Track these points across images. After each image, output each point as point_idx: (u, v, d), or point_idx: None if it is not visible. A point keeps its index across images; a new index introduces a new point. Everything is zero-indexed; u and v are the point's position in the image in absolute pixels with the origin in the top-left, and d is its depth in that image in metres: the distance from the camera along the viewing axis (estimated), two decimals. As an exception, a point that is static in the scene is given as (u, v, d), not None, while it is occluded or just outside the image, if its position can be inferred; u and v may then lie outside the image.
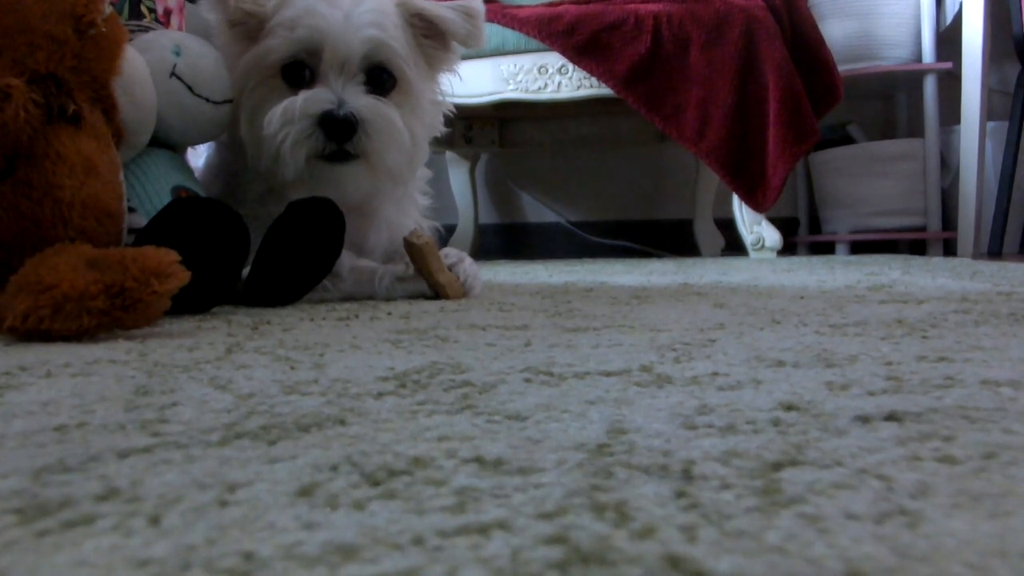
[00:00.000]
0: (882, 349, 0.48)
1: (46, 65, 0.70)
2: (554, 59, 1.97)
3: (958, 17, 2.25)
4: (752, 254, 2.07)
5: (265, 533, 0.20)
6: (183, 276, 0.61)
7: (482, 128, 2.57)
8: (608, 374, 0.41)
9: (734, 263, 1.78)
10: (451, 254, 0.94)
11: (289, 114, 0.85)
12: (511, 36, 1.98)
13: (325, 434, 0.30)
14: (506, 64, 2.00)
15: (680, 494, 0.22)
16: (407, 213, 1.02)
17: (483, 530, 0.20)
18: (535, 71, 1.99)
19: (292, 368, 0.44)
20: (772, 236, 2.05)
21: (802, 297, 0.84)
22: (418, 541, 0.19)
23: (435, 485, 0.24)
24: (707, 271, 1.44)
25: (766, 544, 0.19)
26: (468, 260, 0.96)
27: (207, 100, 0.88)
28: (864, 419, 0.31)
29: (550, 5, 2.03)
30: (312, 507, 0.22)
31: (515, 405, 0.34)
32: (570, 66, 1.97)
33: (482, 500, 0.22)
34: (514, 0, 2.20)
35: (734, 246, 2.28)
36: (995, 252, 2.06)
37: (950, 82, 2.36)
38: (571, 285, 1.13)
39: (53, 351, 0.51)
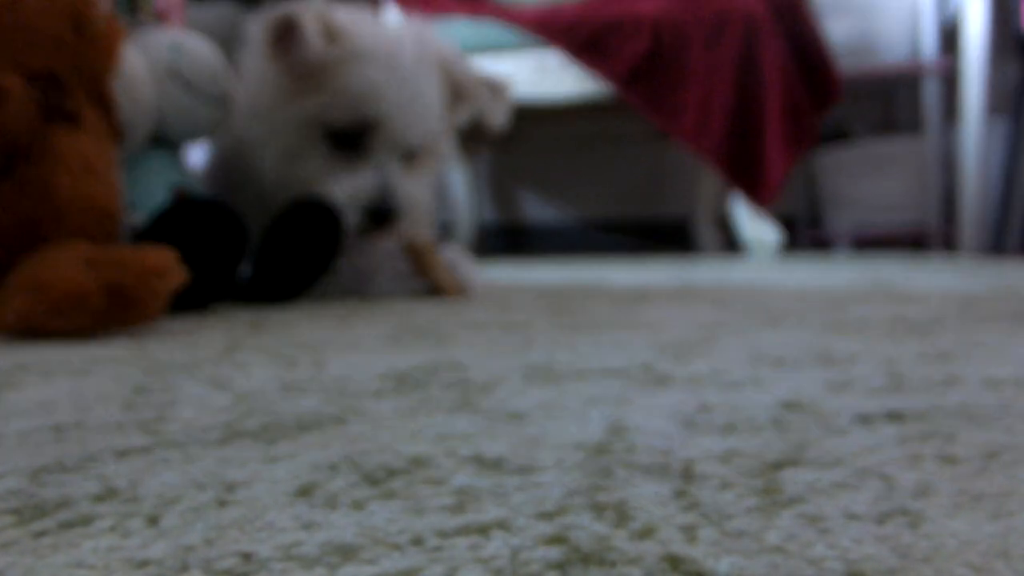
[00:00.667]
0: (883, 348, 0.48)
1: (44, 64, 0.70)
2: (554, 57, 1.97)
3: (958, 15, 2.25)
4: (752, 253, 2.07)
5: (264, 533, 0.20)
6: (181, 275, 0.61)
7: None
8: (608, 373, 0.41)
9: (734, 262, 1.78)
10: (447, 253, 0.95)
11: (355, 194, 0.86)
12: (511, 34, 1.98)
13: (324, 433, 0.29)
14: (506, 62, 2.00)
15: (680, 494, 0.22)
16: None
17: (482, 530, 0.20)
18: (535, 69, 1.99)
19: (291, 367, 0.44)
20: (772, 234, 2.05)
21: (802, 296, 0.84)
22: (417, 541, 0.19)
23: (434, 485, 0.23)
24: (707, 270, 1.44)
25: (766, 544, 0.19)
26: (464, 258, 0.96)
27: (205, 99, 0.88)
28: (865, 418, 0.30)
29: (550, 4, 2.03)
30: (311, 507, 0.22)
31: (515, 404, 0.34)
32: (570, 64, 1.97)
33: (481, 500, 0.22)
34: (514, -2, 2.20)
35: (734, 244, 2.27)
36: (996, 250, 2.06)
37: (950, 80, 2.36)
38: (571, 283, 1.13)
39: (51, 350, 0.51)
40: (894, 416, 0.31)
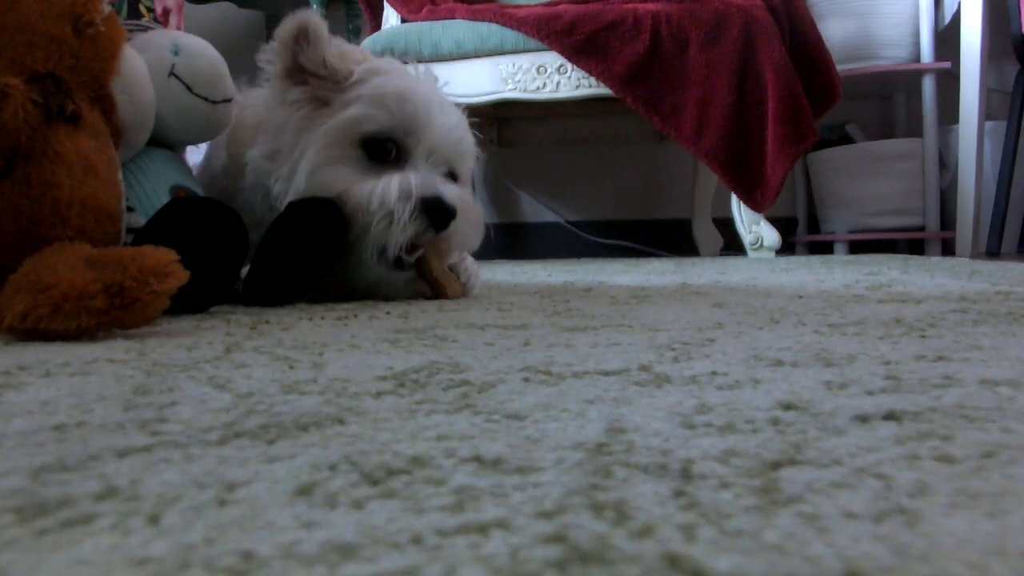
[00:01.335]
0: (881, 348, 0.48)
1: (45, 64, 0.70)
2: (553, 59, 1.97)
3: (956, 17, 2.25)
4: (751, 254, 2.07)
5: (264, 532, 0.20)
6: (182, 275, 0.61)
7: (480, 127, 2.57)
8: (607, 373, 0.41)
9: (733, 263, 1.78)
10: (453, 255, 0.94)
11: (406, 191, 0.82)
12: (510, 35, 1.98)
13: (324, 433, 0.30)
14: (505, 63, 2.00)
15: (679, 493, 0.22)
16: None
17: (482, 529, 0.20)
18: (534, 71, 1.99)
19: (291, 367, 0.44)
20: (771, 236, 2.05)
21: (801, 296, 0.85)
22: (417, 540, 0.19)
23: (434, 484, 0.24)
24: (706, 271, 1.44)
25: (765, 543, 0.19)
26: (469, 259, 0.96)
27: (205, 99, 0.88)
28: (863, 418, 0.31)
29: (549, 5, 2.03)
30: (311, 506, 0.22)
31: (514, 404, 0.34)
32: (569, 66, 1.97)
33: (481, 499, 0.22)
34: (513, 0, 2.20)
35: (733, 246, 2.28)
36: (993, 252, 2.07)
37: (948, 82, 2.37)
38: (570, 284, 1.13)
39: (52, 350, 0.51)
40: (892, 416, 0.31)
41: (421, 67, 0.95)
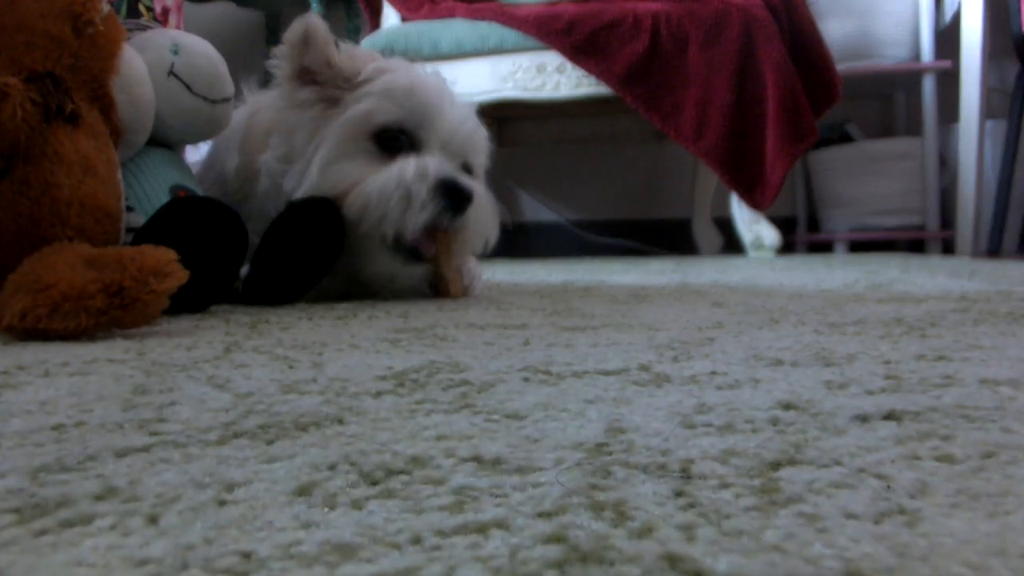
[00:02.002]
0: (881, 348, 0.48)
1: (44, 64, 0.70)
2: (552, 58, 1.97)
3: (957, 16, 2.25)
4: (751, 253, 2.07)
5: (263, 532, 0.20)
6: (181, 275, 0.61)
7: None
8: (606, 373, 0.41)
9: (732, 262, 1.78)
10: (463, 256, 0.95)
11: (422, 171, 0.81)
12: (510, 35, 1.98)
13: (323, 433, 0.30)
14: (505, 63, 2.00)
15: (678, 493, 0.22)
16: None
17: (481, 529, 0.20)
18: (533, 70, 1.99)
19: (290, 367, 0.44)
20: (771, 235, 2.05)
21: (801, 296, 0.85)
22: (416, 540, 0.19)
23: (433, 484, 0.24)
24: (706, 270, 1.44)
25: (764, 543, 0.19)
26: (472, 260, 0.96)
27: (205, 99, 0.88)
28: (863, 418, 0.31)
29: (549, 4, 2.03)
30: (310, 506, 0.22)
31: (513, 404, 0.34)
32: (569, 65, 1.97)
33: (480, 499, 0.22)
34: (513, -1, 2.20)
35: (732, 245, 2.28)
36: (993, 251, 2.07)
37: (949, 81, 2.37)
38: (569, 284, 1.13)
39: (51, 350, 0.51)
40: (892, 416, 0.31)
41: (429, 67, 0.95)
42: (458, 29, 2.02)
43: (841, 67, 2.11)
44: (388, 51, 1.99)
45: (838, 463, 0.25)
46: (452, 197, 0.82)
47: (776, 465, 0.25)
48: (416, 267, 0.86)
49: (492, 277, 1.30)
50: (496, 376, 0.40)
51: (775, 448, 0.27)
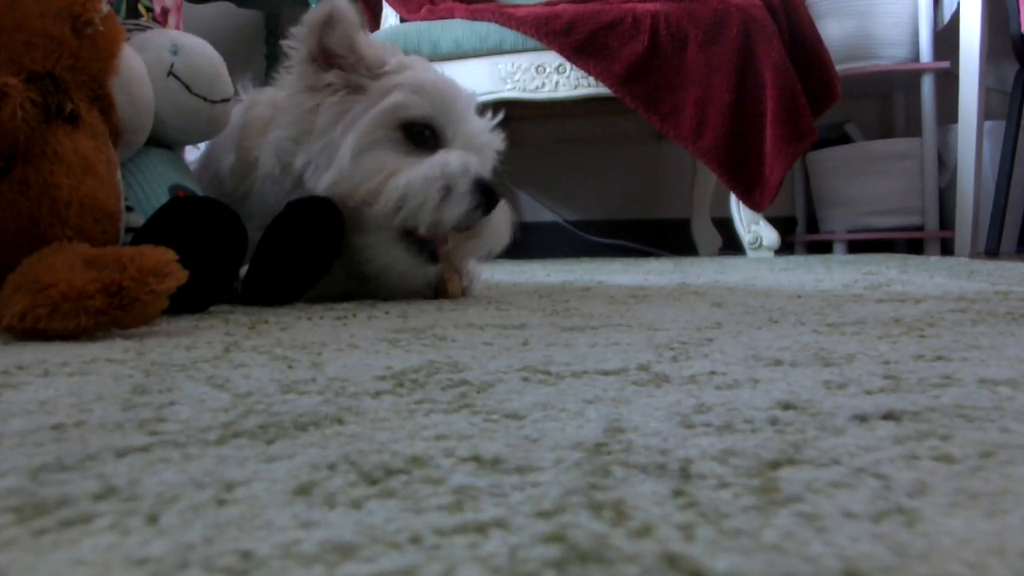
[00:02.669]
0: (879, 348, 0.48)
1: (43, 64, 0.70)
2: (552, 58, 1.97)
3: (956, 16, 2.25)
4: (750, 253, 2.07)
5: (263, 532, 0.20)
6: (181, 275, 0.61)
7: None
8: (606, 373, 0.41)
9: (732, 262, 1.78)
10: (469, 258, 0.95)
11: (464, 166, 0.83)
12: (508, 35, 1.98)
13: (323, 433, 0.30)
14: (504, 63, 2.00)
15: (678, 493, 0.22)
16: None
17: (481, 529, 0.20)
18: (533, 70, 1.99)
19: (290, 367, 0.44)
20: (770, 235, 2.05)
21: (800, 296, 0.85)
22: (416, 540, 0.19)
23: (433, 484, 0.24)
24: (705, 270, 1.44)
25: (763, 543, 0.19)
26: (473, 261, 0.96)
27: (204, 99, 0.88)
28: (862, 418, 0.31)
29: (548, 4, 2.03)
30: (310, 506, 0.22)
31: (513, 404, 0.34)
32: (568, 65, 1.97)
33: (480, 499, 0.22)
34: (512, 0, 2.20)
35: (732, 245, 2.28)
36: (992, 251, 2.07)
37: (948, 81, 2.37)
38: (568, 284, 1.13)
39: (50, 350, 0.51)
40: (891, 416, 0.31)
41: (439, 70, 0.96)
42: (457, 30, 2.02)
43: (840, 67, 2.11)
44: (387, 51, 1.98)
45: (837, 463, 0.25)
46: (487, 195, 0.84)
47: (775, 465, 0.25)
48: (431, 267, 0.87)
49: (491, 277, 1.30)
50: (495, 376, 0.40)
51: (774, 448, 0.27)
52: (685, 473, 0.24)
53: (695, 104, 1.92)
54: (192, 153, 1.07)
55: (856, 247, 2.52)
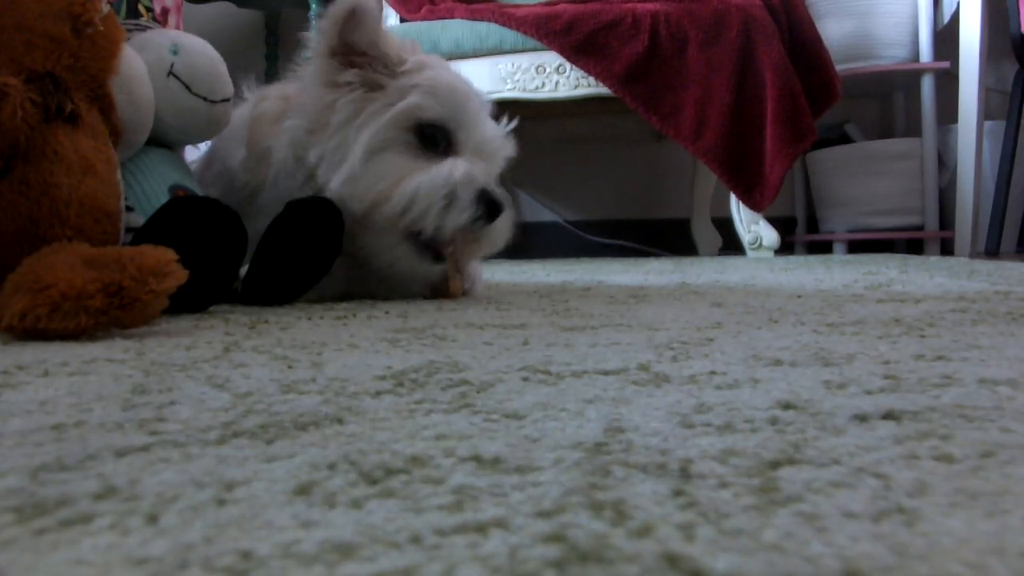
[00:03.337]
0: (880, 348, 0.48)
1: (43, 64, 0.70)
2: (552, 58, 1.97)
3: (955, 16, 2.25)
4: (750, 253, 2.07)
5: (263, 532, 0.20)
6: (181, 275, 0.61)
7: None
8: (606, 373, 0.41)
9: (732, 262, 1.78)
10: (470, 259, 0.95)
11: (469, 175, 0.83)
12: (508, 35, 1.98)
13: (323, 433, 0.30)
14: (504, 63, 2.00)
15: (678, 493, 0.22)
16: None
17: (481, 528, 0.20)
18: (533, 70, 1.99)
19: (290, 367, 0.44)
20: (770, 235, 2.05)
21: (800, 296, 0.85)
22: (416, 539, 0.19)
23: (433, 484, 0.24)
24: (705, 270, 1.44)
25: (763, 542, 0.19)
26: (474, 262, 0.96)
27: (205, 99, 0.88)
28: (862, 418, 0.31)
29: (548, 4, 2.03)
30: (310, 506, 0.22)
31: (513, 404, 0.34)
32: (568, 65, 1.97)
33: (480, 499, 0.22)
34: (512, 0, 2.20)
35: (732, 245, 2.28)
36: (992, 251, 2.07)
37: (947, 81, 2.37)
38: (568, 284, 1.13)
39: (50, 350, 0.51)
40: (891, 415, 0.31)
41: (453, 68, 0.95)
42: (457, 30, 2.02)
43: (840, 67, 2.11)
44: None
45: (837, 463, 0.25)
46: (489, 206, 0.84)
47: (775, 464, 0.25)
48: (436, 267, 0.87)
49: (492, 277, 1.30)
50: (495, 376, 0.40)
51: (774, 448, 0.27)
52: (685, 473, 0.24)
53: (695, 104, 1.92)
54: (192, 153, 1.07)
55: (856, 247, 2.52)
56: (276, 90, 0.96)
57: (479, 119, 0.89)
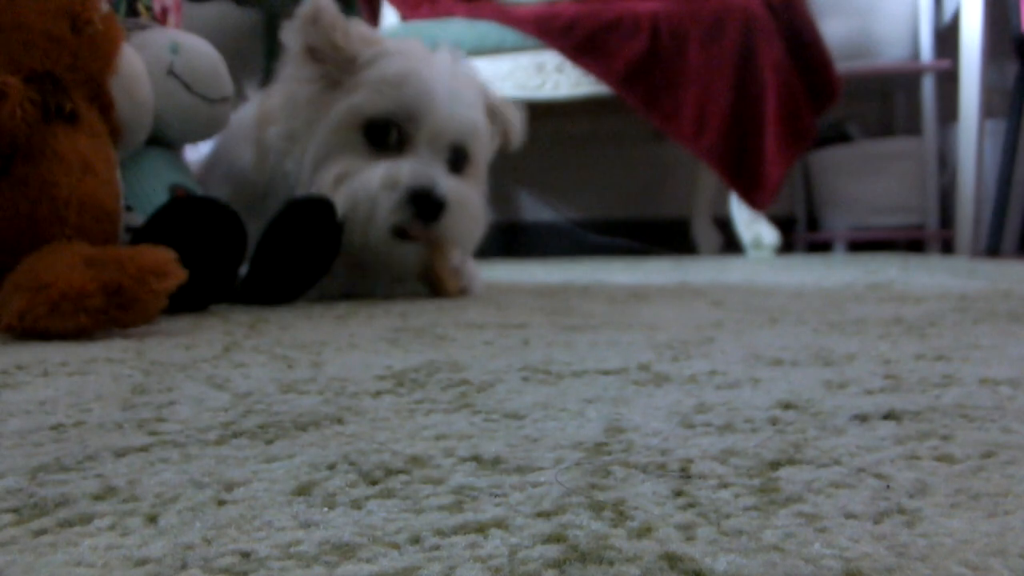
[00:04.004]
0: (880, 348, 0.48)
1: (43, 63, 0.70)
2: (552, 57, 1.97)
3: (956, 16, 2.25)
4: (750, 253, 2.07)
5: (262, 532, 0.20)
6: (180, 275, 0.61)
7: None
8: (606, 373, 0.41)
9: (732, 262, 1.78)
10: (456, 254, 0.95)
11: (391, 180, 0.82)
12: (509, 34, 1.98)
13: (323, 433, 0.29)
14: (504, 62, 2.00)
15: (678, 493, 0.22)
16: None
17: (481, 529, 0.20)
18: (533, 69, 1.99)
19: (289, 367, 0.44)
20: (770, 235, 2.05)
21: (800, 296, 0.85)
22: (416, 540, 0.19)
23: (433, 484, 0.23)
24: (705, 270, 1.44)
25: (764, 543, 0.19)
26: (471, 262, 0.96)
27: (204, 98, 0.88)
28: (862, 418, 0.31)
29: (548, 3, 2.03)
30: (309, 506, 0.22)
31: (513, 404, 0.34)
32: (568, 64, 1.97)
33: (480, 499, 0.22)
34: (512, -2, 2.20)
35: (732, 245, 2.28)
36: (993, 251, 2.07)
37: (948, 81, 2.37)
38: (569, 283, 1.13)
39: (50, 350, 0.51)
40: (891, 415, 0.31)
41: (445, 48, 0.93)
42: (457, 28, 2.02)
43: (840, 66, 2.11)
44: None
45: (837, 463, 0.25)
46: (421, 206, 0.83)
47: (775, 465, 0.25)
48: (407, 247, 0.86)
49: (491, 277, 1.30)
50: (495, 376, 0.40)
51: (774, 448, 0.27)
52: (685, 473, 0.24)
53: (696, 103, 1.92)
54: (192, 153, 1.07)
55: (856, 246, 2.52)
56: (280, 88, 0.96)
57: (432, 107, 0.86)
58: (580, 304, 0.79)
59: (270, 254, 0.81)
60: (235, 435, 0.29)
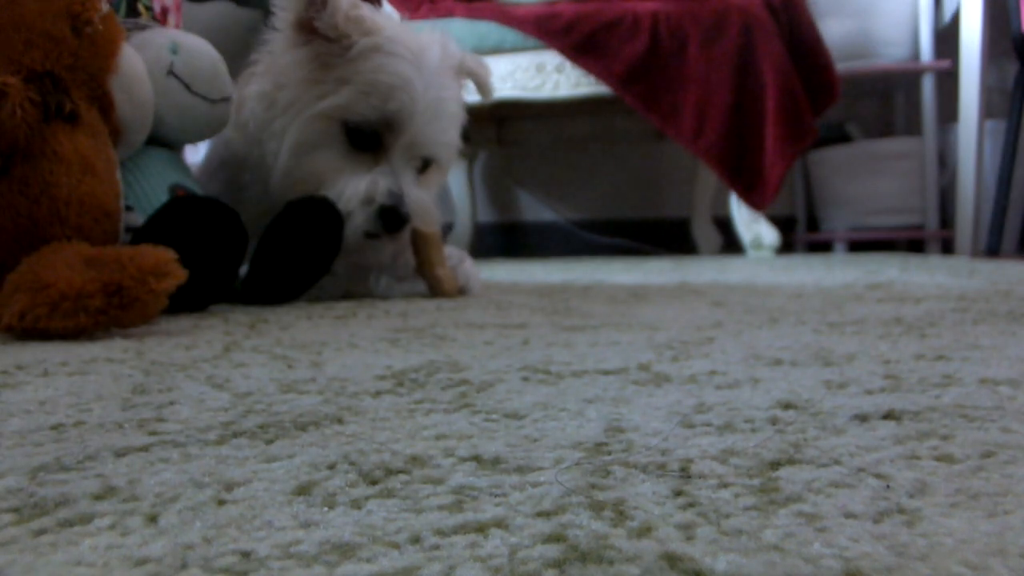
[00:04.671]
0: (880, 348, 0.48)
1: (43, 63, 0.70)
2: (552, 57, 1.97)
3: (956, 16, 2.25)
4: (750, 253, 2.07)
5: (263, 532, 0.20)
6: (180, 275, 0.61)
7: (480, 126, 2.57)
8: (606, 373, 0.41)
9: (732, 262, 1.78)
10: (453, 254, 0.95)
11: (368, 197, 0.85)
12: (509, 34, 1.98)
13: (323, 433, 0.30)
14: (504, 62, 2.00)
15: (678, 493, 0.22)
16: None
17: (481, 528, 0.20)
18: (533, 69, 1.99)
19: (289, 367, 0.44)
20: (770, 235, 2.05)
21: (800, 296, 0.85)
22: (416, 540, 0.19)
23: (433, 484, 0.24)
24: (705, 270, 1.44)
25: (764, 543, 0.19)
26: (469, 262, 0.96)
27: (204, 98, 0.87)
28: (862, 418, 0.31)
29: (548, 3, 2.03)
30: (309, 506, 0.22)
31: (513, 404, 0.34)
32: (568, 64, 1.97)
33: (480, 499, 0.22)
34: (512, -2, 2.20)
35: (732, 245, 2.28)
36: (993, 251, 2.07)
37: (948, 81, 2.37)
38: (569, 284, 1.13)
39: (50, 350, 0.51)
40: (891, 415, 0.31)
41: (437, 35, 0.93)
42: (457, 29, 2.02)
43: (840, 66, 2.11)
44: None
45: (837, 462, 0.25)
46: (388, 220, 0.86)
47: (775, 464, 0.25)
48: (377, 244, 0.88)
49: (491, 277, 1.30)
50: (495, 376, 0.40)
51: (774, 447, 0.27)
52: (685, 473, 0.24)
53: (695, 103, 1.92)
54: (192, 153, 1.07)
55: (856, 246, 2.52)
56: (262, 66, 0.96)
57: (413, 120, 0.88)
58: (580, 304, 0.79)
59: (270, 254, 0.81)
60: (235, 435, 0.29)
